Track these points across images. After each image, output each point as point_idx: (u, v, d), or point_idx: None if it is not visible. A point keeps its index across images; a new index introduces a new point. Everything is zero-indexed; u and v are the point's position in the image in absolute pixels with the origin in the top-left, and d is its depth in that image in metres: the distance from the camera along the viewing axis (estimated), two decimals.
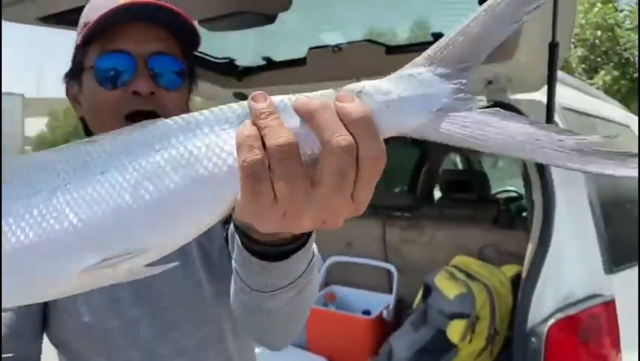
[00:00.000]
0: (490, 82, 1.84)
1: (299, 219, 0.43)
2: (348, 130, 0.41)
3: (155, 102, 0.80)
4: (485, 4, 0.43)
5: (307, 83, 2.25)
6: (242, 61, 2.36)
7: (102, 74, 0.81)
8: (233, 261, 0.66)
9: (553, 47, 1.42)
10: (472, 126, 0.40)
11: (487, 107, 0.42)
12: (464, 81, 0.43)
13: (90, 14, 0.82)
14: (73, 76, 0.87)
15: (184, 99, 0.86)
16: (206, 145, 0.44)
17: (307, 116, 0.42)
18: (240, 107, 0.46)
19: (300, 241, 0.57)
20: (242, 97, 2.48)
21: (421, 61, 0.42)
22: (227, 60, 2.34)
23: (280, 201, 0.41)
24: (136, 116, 0.78)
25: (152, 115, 0.77)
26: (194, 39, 0.85)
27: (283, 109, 0.43)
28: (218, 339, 0.91)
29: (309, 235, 0.58)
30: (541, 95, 1.75)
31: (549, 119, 1.62)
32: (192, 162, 0.43)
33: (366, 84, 0.43)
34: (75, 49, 0.85)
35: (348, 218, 0.44)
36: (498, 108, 0.43)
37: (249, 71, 2.38)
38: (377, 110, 0.41)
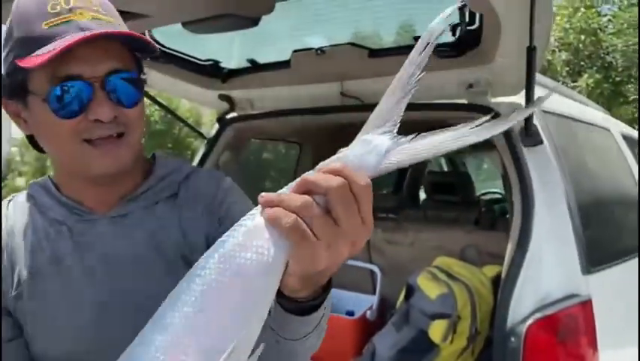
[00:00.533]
0: (470, 85, 1.87)
1: (337, 249, 0.56)
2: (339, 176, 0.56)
3: (118, 124, 0.79)
4: (394, 80, 0.67)
5: (291, 85, 2.27)
6: (226, 63, 2.36)
7: (57, 104, 0.76)
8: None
9: (530, 50, 1.44)
10: (409, 151, 0.61)
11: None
12: (394, 130, 0.63)
13: (25, 26, 0.77)
14: (14, 94, 0.81)
15: (143, 108, 0.84)
16: (250, 247, 0.57)
17: (305, 186, 0.57)
18: (248, 216, 0.60)
19: (326, 292, 0.67)
20: (227, 99, 2.49)
21: (368, 129, 0.63)
22: (211, 62, 2.35)
23: (321, 237, 0.55)
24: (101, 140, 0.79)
25: (119, 136, 0.80)
26: (147, 44, 0.81)
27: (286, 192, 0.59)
28: None
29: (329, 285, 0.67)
30: (520, 99, 1.78)
31: (528, 121, 1.66)
32: (250, 263, 0.57)
33: (341, 150, 0.62)
34: (11, 64, 0.78)
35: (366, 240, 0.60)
36: (421, 133, 0.62)
37: (233, 73, 2.39)
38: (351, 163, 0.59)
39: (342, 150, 0.62)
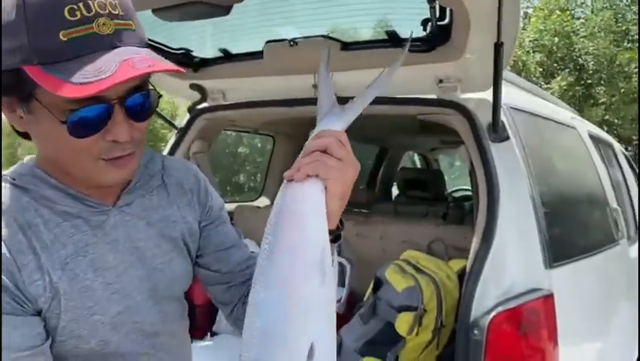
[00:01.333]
0: (440, 80, 1.88)
1: (348, 171, 0.81)
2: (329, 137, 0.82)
3: (132, 142, 0.79)
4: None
5: (264, 76, 2.25)
6: (199, 52, 2.34)
7: (75, 126, 0.73)
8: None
9: (498, 47, 1.46)
10: (353, 104, 0.94)
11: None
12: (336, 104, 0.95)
13: (40, 32, 0.69)
14: (13, 93, 0.75)
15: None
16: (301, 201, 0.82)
17: (310, 149, 0.83)
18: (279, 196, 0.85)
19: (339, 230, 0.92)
20: (198, 88, 2.46)
21: (322, 111, 0.94)
22: (183, 51, 2.32)
23: (336, 165, 0.79)
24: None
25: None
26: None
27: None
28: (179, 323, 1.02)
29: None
30: (489, 95, 1.80)
31: (495, 117, 1.68)
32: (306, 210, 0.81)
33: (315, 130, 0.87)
34: (12, 68, 0.71)
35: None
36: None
37: (205, 62, 2.36)
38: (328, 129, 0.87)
39: (314, 130, 0.87)
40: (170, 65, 0.74)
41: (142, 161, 0.90)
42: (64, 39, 0.69)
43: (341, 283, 2.55)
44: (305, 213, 0.78)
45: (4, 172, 0.85)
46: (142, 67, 0.69)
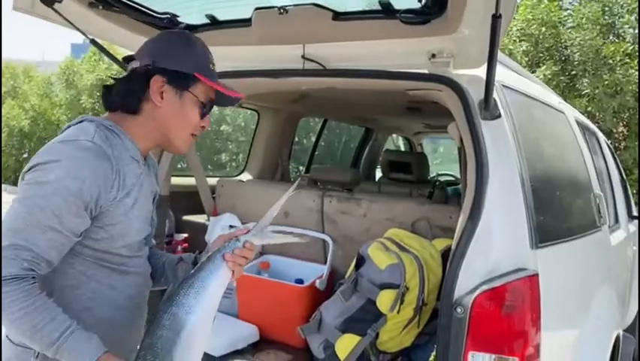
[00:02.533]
0: (433, 55, 1.84)
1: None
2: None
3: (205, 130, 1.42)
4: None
5: (251, 45, 2.19)
6: (184, 18, 2.26)
7: (203, 109, 1.35)
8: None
9: (496, 18, 1.42)
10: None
11: None
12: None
13: (204, 63, 1.36)
14: (174, 82, 1.30)
15: None
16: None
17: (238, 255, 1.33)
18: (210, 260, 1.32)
19: None
20: None
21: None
22: (169, 16, 2.24)
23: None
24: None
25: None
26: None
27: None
28: None
29: None
30: (482, 72, 1.76)
31: (487, 93, 1.64)
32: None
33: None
34: (191, 74, 1.31)
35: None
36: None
37: (191, 29, 2.28)
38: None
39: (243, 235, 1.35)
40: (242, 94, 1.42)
41: None
42: (211, 68, 1.39)
43: (323, 260, 2.53)
44: (223, 284, 1.32)
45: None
46: (238, 95, 1.39)
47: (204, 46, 1.38)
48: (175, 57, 1.31)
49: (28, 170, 1.18)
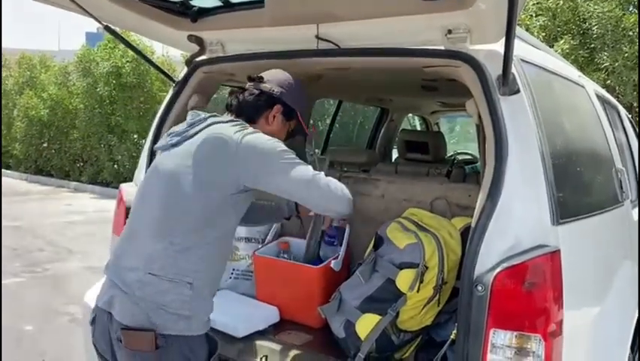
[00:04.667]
0: (449, 31, 1.81)
1: None
2: None
3: None
4: None
5: (265, 26, 2.17)
6: (197, 1, 2.25)
7: (288, 137, 1.88)
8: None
9: None
10: None
11: None
12: None
13: (303, 107, 1.91)
14: (286, 115, 1.85)
15: None
16: None
17: None
18: None
19: None
20: (196, 40, 2.38)
21: None
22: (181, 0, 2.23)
23: None
24: None
25: None
26: None
27: None
28: None
29: None
30: (499, 47, 1.73)
31: (506, 68, 1.61)
32: None
33: None
34: (294, 110, 1.87)
35: None
36: None
37: (204, 12, 2.28)
38: None
39: None
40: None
41: None
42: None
43: (339, 241, 2.52)
44: None
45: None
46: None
47: (306, 92, 1.92)
48: (294, 98, 1.84)
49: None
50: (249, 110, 1.78)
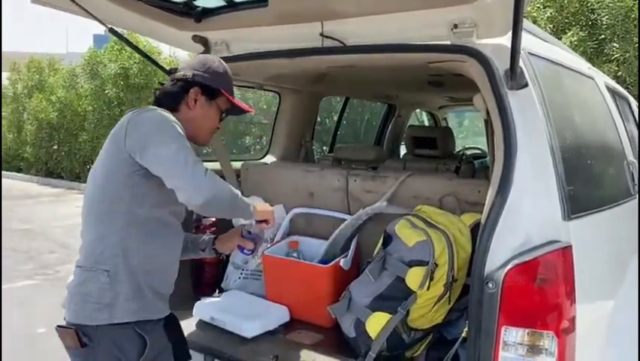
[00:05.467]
0: (455, 26, 1.79)
1: None
2: None
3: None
4: None
5: (269, 25, 2.16)
6: (201, 1, 2.24)
7: (222, 116, 1.85)
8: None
9: None
10: None
11: None
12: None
13: (229, 83, 1.85)
14: (207, 94, 1.78)
15: None
16: None
17: None
18: None
19: None
20: (201, 40, 2.37)
21: None
22: (185, 0, 2.22)
23: None
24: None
25: None
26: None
27: None
28: None
29: None
30: (506, 40, 1.71)
31: (513, 62, 1.59)
32: None
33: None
34: (216, 89, 1.79)
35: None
36: None
37: (208, 12, 2.27)
38: None
39: None
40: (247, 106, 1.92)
41: None
42: (233, 88, 1.85)
43: (348, 239, 2.51)
44: None
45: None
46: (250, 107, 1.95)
47: (229, 70, 1.86)
48: (213, 76, 1.78)
49: None
50: (167, 100, 1.74)
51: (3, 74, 14.75)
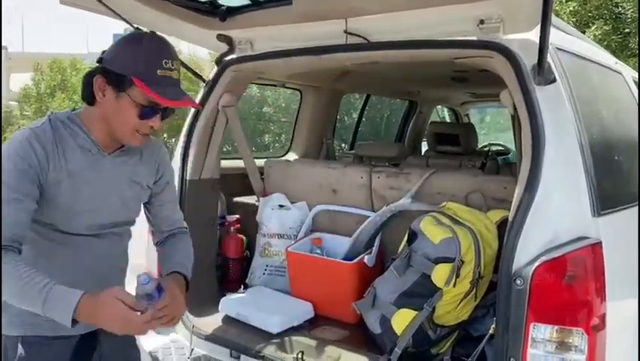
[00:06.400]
0: (482, 21, 1.78)
1: None
2: None
3: (154, 131, 1.47)
4: None
5: (293, 23, 2.17)
6: (225, 0, 2.26)
7: (141, 112, 1.40)
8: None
9: None
10: None
11: None
12: None
13: (145, 67, 1.36)
14: (113, 83, 1.39)
15: None
16: None
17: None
18: None
19: None
20: (225, 39, 2.39)
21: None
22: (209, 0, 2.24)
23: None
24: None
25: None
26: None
27: None
28: None
29: None
30: (533, 35, 1.70)
31: (541, 57, 1.58)
32: None
33: None
34: (124, 76, 1.37)
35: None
36: None
37: (232, 11, 2.28)
38: None
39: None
40: (197, 104, 1.83)
41: None
42: (159, 74, 1.37)
43: (372, 236, 2.51)
44: None
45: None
46: (190, 101, 1.48)
47: (159, 49, 1.40)
48: (119, 60, 1.39)
49: None
50: (84, 94, 1.46)
51: (27, 74, 15.01)
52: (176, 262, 1.61)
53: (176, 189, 1.83)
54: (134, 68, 1.36)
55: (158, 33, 1.51)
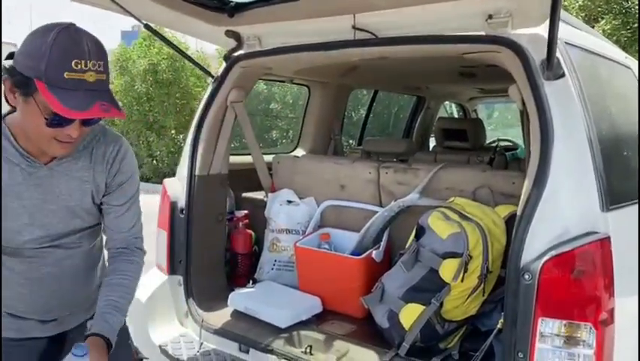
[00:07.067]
0: (490, 16, 1.78)
1: None
2: None
3: (77, 137, 1.26)
4: None
5: (301, 19, 2.18)
6: None
7: (51, 121, 1.20)
8: None
9: None
10: None
11: None
12: None
13: (53, 66, 1.15)
14: (19, 86, 1.19)
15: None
16: None
17: None
18: None
19: None
20: (234, 35, 2.40)
21: None
22: None
23: None
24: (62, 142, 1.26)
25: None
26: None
27: None
28: None
29: None
30: (542, 30, 1.69)
31: (550, 52, 1.57)
32: None
33: None
34: (32, 80, 1.16)
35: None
36: None
37: (240, 7, 2.29)
38: None
39: None
40: (120, 113, 1.21)
41: (83, 143, 1.40)
42: (66, 77, 1.16)
43: (380, 231, 2.52)
44: None
45: None
46: (103, 110, 1.19)
47: (69, 47, 1.17)
48: (23, 58, 1.18)
49: None
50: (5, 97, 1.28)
51: None
52: (107, 305, 1.39)
53: (139, 195, 1.55)
54: (37, 68, 1.15)
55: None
